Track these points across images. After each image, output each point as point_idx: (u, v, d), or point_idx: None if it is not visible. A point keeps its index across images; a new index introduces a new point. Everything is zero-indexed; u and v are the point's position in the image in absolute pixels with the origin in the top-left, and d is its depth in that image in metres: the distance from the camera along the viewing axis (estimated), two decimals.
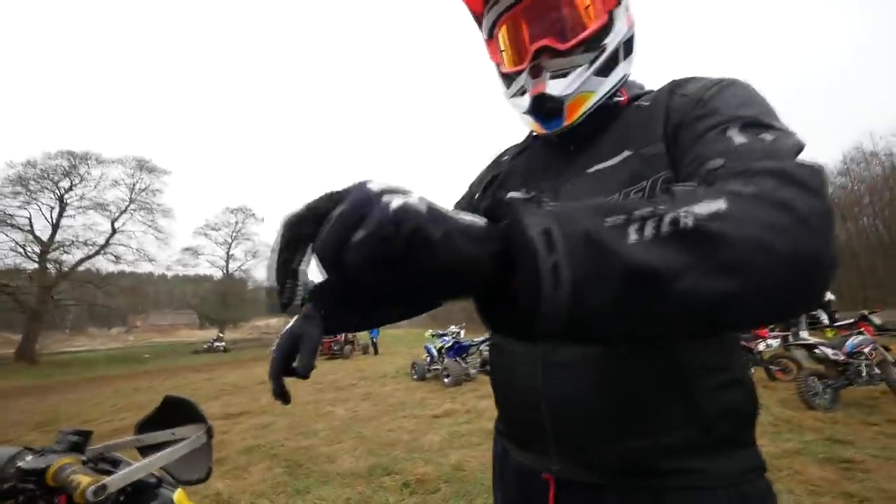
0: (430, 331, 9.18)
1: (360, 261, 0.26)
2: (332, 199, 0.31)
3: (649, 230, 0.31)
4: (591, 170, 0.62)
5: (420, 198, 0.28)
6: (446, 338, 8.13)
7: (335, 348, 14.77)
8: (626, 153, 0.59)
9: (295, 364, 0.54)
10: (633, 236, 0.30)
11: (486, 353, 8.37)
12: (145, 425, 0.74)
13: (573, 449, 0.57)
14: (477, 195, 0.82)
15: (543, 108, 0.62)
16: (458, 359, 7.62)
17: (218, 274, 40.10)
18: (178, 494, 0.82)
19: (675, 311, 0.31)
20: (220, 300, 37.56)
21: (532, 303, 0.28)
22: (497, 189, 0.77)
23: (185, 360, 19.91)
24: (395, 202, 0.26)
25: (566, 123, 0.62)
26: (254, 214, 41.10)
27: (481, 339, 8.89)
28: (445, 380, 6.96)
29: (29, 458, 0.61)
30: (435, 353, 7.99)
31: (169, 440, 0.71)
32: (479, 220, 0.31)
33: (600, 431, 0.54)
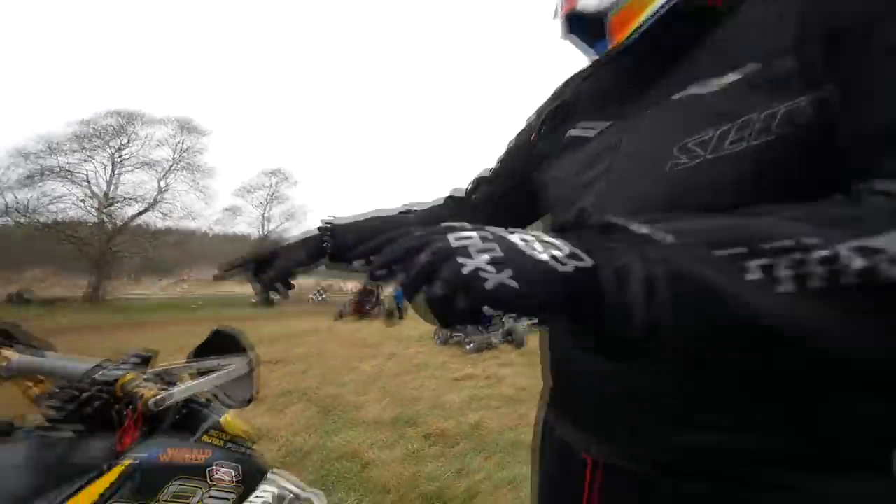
0: None
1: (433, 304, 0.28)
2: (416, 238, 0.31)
3: (787, 280, 0.24)
4: (678, 96, 0.47)
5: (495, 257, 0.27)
6: None
7: (366, 308, 15.36)
8: (730, 76, 0.42)
9: (264, 275, 0.66)
10: (768, 286, 0.25)
11: (509, 324, 8.45)
12: (197, 353, 0.84)
13: (619, 431, 0.49)
14: (534, 134, 0.70)
15: (579, 28, 0.53)
16: (480, 327, 7.75)
17: (255, 234, 41.87)
18: (229, 415, 0.93)
19: (808, 362, 0.27)
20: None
21: (618, 335, 0.28)
22: (560, 123, 0.65)
23: (229, 311, 21.32)
24: (468, 268, 0.27)
25: (616, 42, 0.49)
26: (287, 178, 42.19)
27: None
28: (467, 346, 7.13)
29: (104, 370, 0.71)
30: None
31: (217, 367, 0.81)
32: (560, 254, 0.29)
33: (652, 419, 0.45)
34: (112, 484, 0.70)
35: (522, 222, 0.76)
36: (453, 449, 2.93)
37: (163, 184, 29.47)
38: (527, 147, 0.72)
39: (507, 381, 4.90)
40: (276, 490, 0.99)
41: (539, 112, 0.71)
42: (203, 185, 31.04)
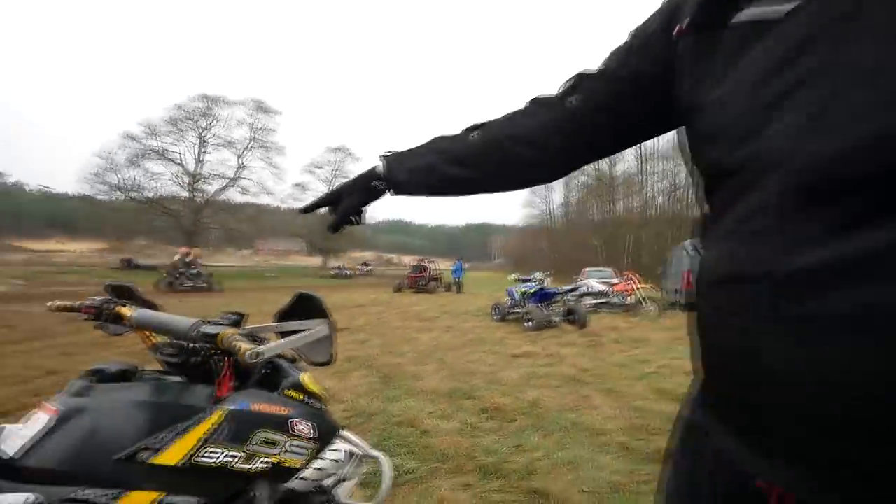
0: (514, 275, 9.24)
1: None
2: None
3: None
4: None
5: None
6: (531, 283, 8.13)
7: (420, 283, 15.81)
8: None
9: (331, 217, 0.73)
10: None
11: (571, 303, 8.24)
12: (282, 315, 0.90)
13: (825, 458, 0.33)
14: (682, 24, 0.46)
15: None
16: (540, 305, 7.62)
17: (323, 208, 44.29)
18: (307, 375, 0.99)
19: None
20: (324, 232, 41.85)
21: None
22: (723, 6, 0.42)
23: (297, 280, 23.05)
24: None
25: None
26: (351, 153, 43.91)
27: (568, 287, 8.71)
28: (526, 324, 7.06)
29: (205, 326, 0.78)
30: (517, 296, 8.08)
31: (300, 329, 0.86)
32: None
33: (884, 439, 0.29)
34: (212, 427, 0.78)
35: (639, 135, 0.59)
36: (511, 425, 2.95)
37: (241, 161, 32.15)
38: (661, 42, 0.50)
39: (567, 361, 4.80)
40: (347, 448, 1.05)
41: None
42: (275, 163, 33.52)
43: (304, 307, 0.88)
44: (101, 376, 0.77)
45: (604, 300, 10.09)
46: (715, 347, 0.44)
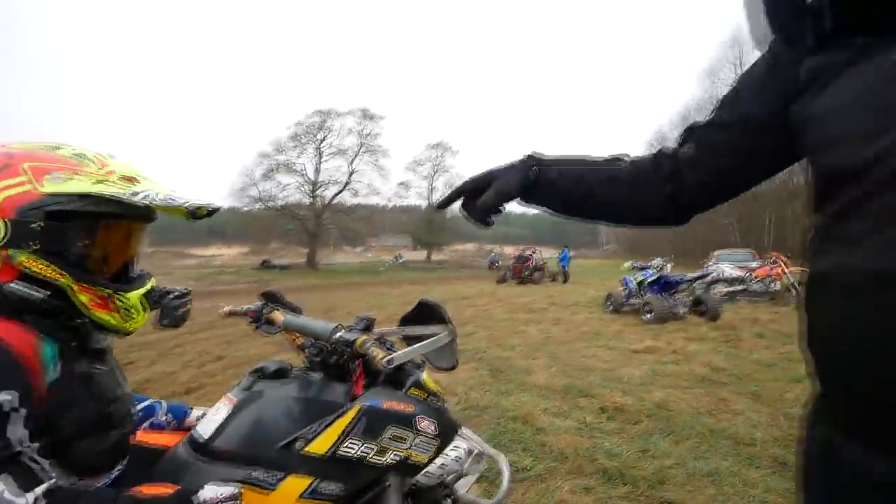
0: (629, 262, 8.48)
1: None
2: None
3: None
4: None
5: None
6: (649, 271, 7.37)
7: (525, 274, 15.51)
8: None
9: (480, 199, 0.63)
10: None
11: (699, 292, 7.27)
12: (406, 320, 0.95)
13: None
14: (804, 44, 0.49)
15: None
16: (662, 294, 6.88)
17: (424, 204, 46.57)
18: (426, 374, 1.02)
19: None
20: (428, 226, 43.81)
21: None
22: (843, 26, 0.45)
23: (404, 274, 24.66)
24: None
25: None
26: (450, 148, 45.01)
27: (695, 274, 7.71)
28: (646, 316, 6.45)
29: (341, 332, 0.85)
30: (634, 286, 7.40)
31: (422, 334, 0.89)
32: None
33: None
34: (351, 421, 0.85)
35: (761, 177, 0.62)
36: (634, 427, 2.72)
37: (352, 167, 35.49)
38: (780, 72, 0.53)
39: (698, 359, 4.25)
40: (466, 445, 1.07)
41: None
42: (381, 164, 36.20)
43: (426, 313, 0.91)
44: (263, 373, 0.90)
45: (741, 287, 8.68)
46: (851, 353, 0.43)
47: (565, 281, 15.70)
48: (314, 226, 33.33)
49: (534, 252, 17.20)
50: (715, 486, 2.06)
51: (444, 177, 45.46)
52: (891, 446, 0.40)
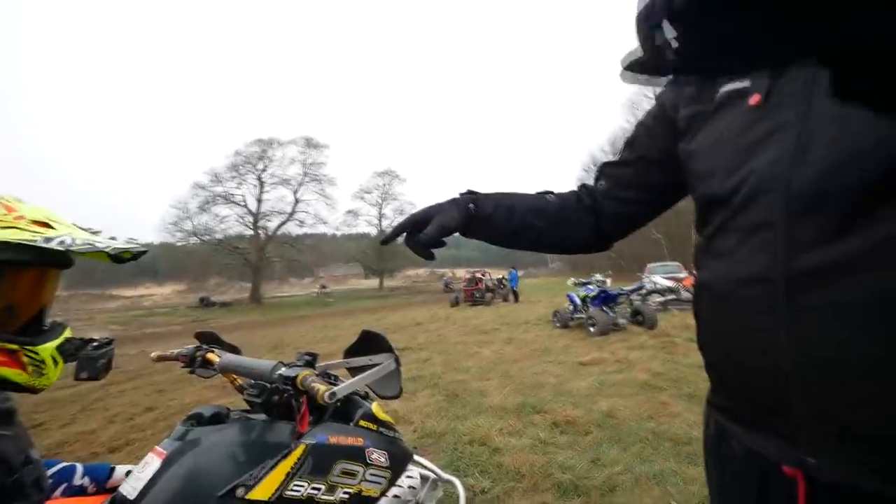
0: (573, 279, 8.92)
1: None
2: None
3: None
4: None
5: None
6: (590, 286, 7.80)
7: (477, 296, 15.71)
8: None
9: (423, 233, 0.65)
10: None
11: (637, 303, 7.78)
12: (350, 352, 0.95)
13: (842, 436, 0.40)
14: (678, 100, 0.62)
15: None
16: (604, 308, 7.28)
17: (374, 231, 46.15)
18: (376, 405, 1.02)
19: None
20: (378, 254, 43.31)
21: None
22: (710, 80, 0.58)
23: (357, 303, 24.00)
24: None
25: None
26: (398, 176, 45.37)
27: (632, 287, 8.26)
28: (591, 329, 6.77)
29: (283, 369, 0.83)
30: (578, 301, 7.79)
31: (367, 364, 0.90)
32: None
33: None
34: (296, 461, 0.83)
35: (665, 205, 0.71)
36: (585, 438, 2.82)
37: (297, 196, 34.47)
38: (665, 118, 0.65)
39: (639, 366, 4.52)
40: (421, 473, 1.07)
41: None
42: (328, 193, 35.58)
43: (370, 343, 0.92)
44: (198, 420, 0.85)
45: (673, 296, 9.42)
46: (725, 345, 0.51)
47: (516, 301, 16.09)
48: (257, 259, 31.64)
49: (484, 274, 17.55)
50: (660, 487, 2.18)
51: (393, 204, 45.62)
52: (753, 426, 0.49)
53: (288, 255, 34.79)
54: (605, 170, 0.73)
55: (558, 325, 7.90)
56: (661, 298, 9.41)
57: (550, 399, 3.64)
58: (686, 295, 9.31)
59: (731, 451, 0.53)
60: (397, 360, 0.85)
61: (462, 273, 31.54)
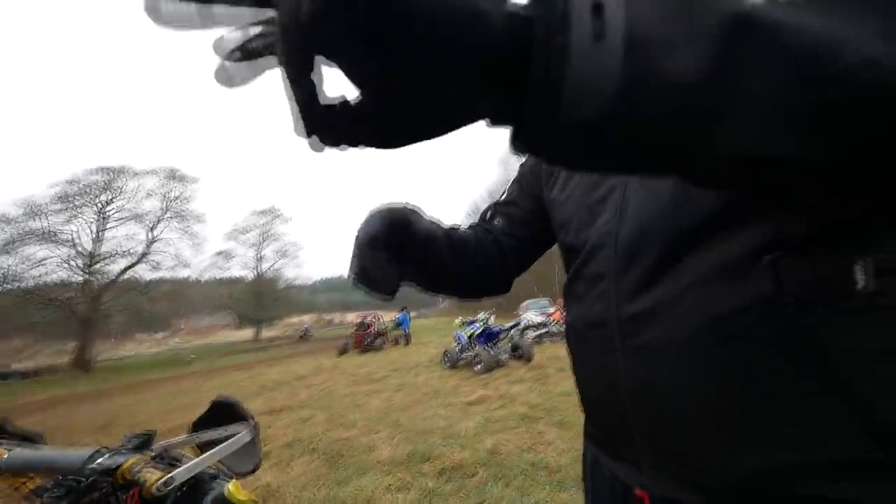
0: (460, 318, 9.26)
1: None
2: None
3: None
4: None
5: None
6: (476, 324, 8.18)
7: (367, 341, 15.07)
8: None
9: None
10: None
11: (515, 339, 8.38)
12: (199, 424, 0.81)
13: (671, 460, 0.44)
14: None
15: None
16: (488, 345, 7.67)
17: (250, 275, 41.69)
18: (232, 485, 0.88)
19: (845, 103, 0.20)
20: (255, 300, 38.98)
21: (551, 68, 0.19)
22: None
23: (225, 360, 20.88)
24: None
25: None
26: (280, 215, 42.40)
27: (511, 324, 8.89)
28: (477, 367, 7.03)
29: (103, 458, 0.67)
30: (465, 340, 8.06)
31: (220, 437, 0.77)
32: None
33: (707, 438, 0.40)
34: None
35: (551, 244, 0.73)
36: (472, 480, 2.83)
37: (155, 233, 29.39)
38: (536, 164, 0.70)
39: (519, 400, 4.80)
40: None
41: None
42: (194, 232, 31.08)
43: (223, 412, 0.80)
44: None
45: (545, 330, 10.42)
46: (587, 381, 0.57)
47: (407, 343, 15.89)
48: (87, 311, 25.22)
49: (375, 318, 17.03)
50: None
51: (274, 245, 42.21)
52: (612, 453, 0.53)
53: (135, 305, 28.90)
54: (498, 208, 0.74)
55: (448, 365, 8.02)
56: (536, 333, 10.32)
57: (440, 443, 3.60)
58: (555, 328, 10.40)
59: (602, 478, 0.56)
60: (255, 429, 0.75)
61: (352, 317, 30.05)
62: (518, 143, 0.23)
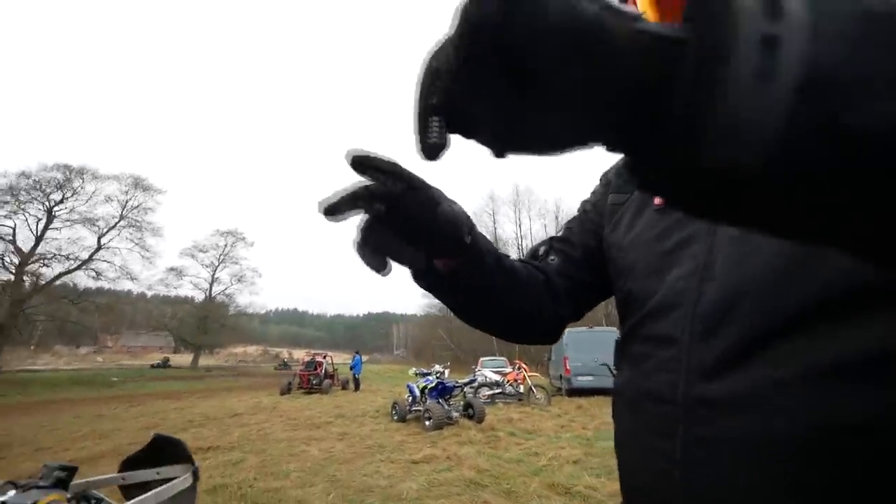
0: (414, 369, 9.00)
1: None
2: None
3: None
4: None
5: None
6: (430, 377, 7.95)
7: (314, 382, 14.22)
8: None
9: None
10: None
11: (469, 396, 8.17)
12: (130, 463, 0.74)
13: None
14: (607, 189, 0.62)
15: None
16: (440, 400, 7.42)
17: (200, 296, 39.33)
18: None
19: None
20: (200, 324, 36.45)
21: (699, 103, 0.16)
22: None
23: (154, 385, 19.02)
24: None
25: None
26: (244, 238, 41.08)
27: (466, 380, 8.71)
28: (427, 422, 6.74)
29: (12, 493, 0.60)
30: (417, 393, 7.78)
31: (153, 479, 0.71)
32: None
33: None
34: None
35: (611, 294, 0.62)
36: None
37: (104, 240, 27.54)
38: (601, 203, 0.62)
39: (467, 463, 4.60)
40: None
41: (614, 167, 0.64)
42: (147, 245, 29.39)
43: (162, 451, 0.74)
44: None
45: (499, 390, 10.24)
46: (633, 461, 0.47)
47: (356, 389, 15.12)
48: (6, 314, 22.60)
49: (325, 357, 16.23)
50: None
51: (232, 268, 40.43)
52: None
53: (63, 314, 26.25)
54: (554, 244, 0.64)
55: (396, 417, 7.65)
56: (489, 392, 10.12)
57: None
58: (510, 389, 10.25)
59: None
60: (195, 474, 0.69)
61: (301, 355, 28.45)
62: (638, 176, 0.20)
